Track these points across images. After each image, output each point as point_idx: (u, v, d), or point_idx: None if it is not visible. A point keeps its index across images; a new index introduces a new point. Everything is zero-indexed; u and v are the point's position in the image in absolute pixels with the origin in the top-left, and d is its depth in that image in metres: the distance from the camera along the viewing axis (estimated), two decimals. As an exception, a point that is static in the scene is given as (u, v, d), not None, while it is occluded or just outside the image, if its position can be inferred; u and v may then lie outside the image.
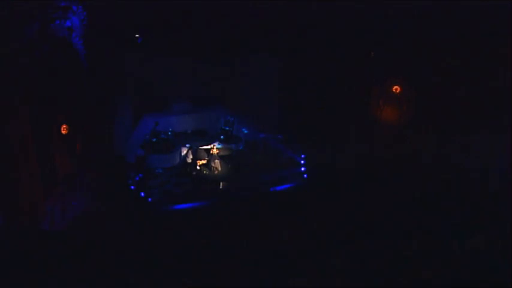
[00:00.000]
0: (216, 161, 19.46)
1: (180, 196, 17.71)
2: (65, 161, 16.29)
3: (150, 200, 17.31)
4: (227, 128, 21.12)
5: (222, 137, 20.96)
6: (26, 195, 14.96)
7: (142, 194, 17.47)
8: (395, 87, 19.85)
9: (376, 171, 18.77)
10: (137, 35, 19.88)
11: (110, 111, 18.38)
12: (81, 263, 13.73)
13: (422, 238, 14.76)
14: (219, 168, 19.43)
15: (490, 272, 12.78)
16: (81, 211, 16.34)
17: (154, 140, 19.82)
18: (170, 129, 20.38)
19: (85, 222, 15.89)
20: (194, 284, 13.09)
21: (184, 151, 20.18)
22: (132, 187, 17.94)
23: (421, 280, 13.03)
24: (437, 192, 17.37)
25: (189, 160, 19.93)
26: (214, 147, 19.94)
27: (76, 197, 16.55)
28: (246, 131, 21.33)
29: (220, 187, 18.39)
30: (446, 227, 15.24)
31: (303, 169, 19.37)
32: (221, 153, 20.06)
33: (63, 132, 16.03)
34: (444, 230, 15.07)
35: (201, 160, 19.61)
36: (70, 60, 16.27)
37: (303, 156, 19.85)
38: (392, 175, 18.44)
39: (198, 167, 19.40)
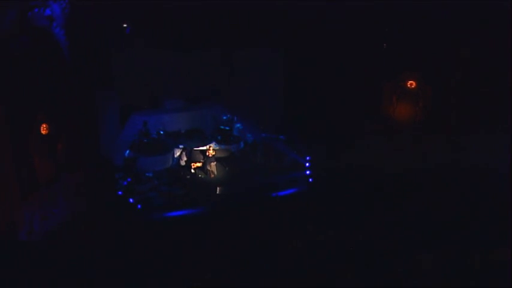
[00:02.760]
0: (212, 163, 19.34)
1: (173, 202, 17.57)
2: (45, 163, 16.09)
3: (139, 206, 17.21)
4: (227, 128, 21.00)
5: (219, 137, 20.85)
6: (2, 202, 14.77)
7: (131, 200, 17.38)
8: (410, 82, 19.73)
9: (387, 174, 18.52)
10: (125, 25, 19.84)
11: (95, 109, 18.23)
12: (62, 276, 13.64)
13: (437, 247, 14.73)
14: (216, 172, 19.31)
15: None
16: (63, 219, 16.15)
17: (144, 140, 19.67)
18: (162, 129, 20.26)
19: (67, 231, 15.71)
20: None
21: (177, 153, 20.09)
22: (120, 192, 17.85)
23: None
24: (452, 196, 17.31)
25: (183, 163, 19.85)
26: (211, 148, 19.83)
27: (57, 203, 16.35)
28: (240, 126, 21.16)
29: (217, 192, 18.26)
30: (462, 236, 15.16)
31: (308, 173, 19.21)
32: (218, 155, 19.96)
33: (43, 132, 15.82)
34: (460, 240, 15.01)
35: (195, 162, 19.51)
36: (51, 52, 16.12)
37: (308, 158, 19.70)
38: (405, 179, 18.22)
39: (192, 170, 19.31)
